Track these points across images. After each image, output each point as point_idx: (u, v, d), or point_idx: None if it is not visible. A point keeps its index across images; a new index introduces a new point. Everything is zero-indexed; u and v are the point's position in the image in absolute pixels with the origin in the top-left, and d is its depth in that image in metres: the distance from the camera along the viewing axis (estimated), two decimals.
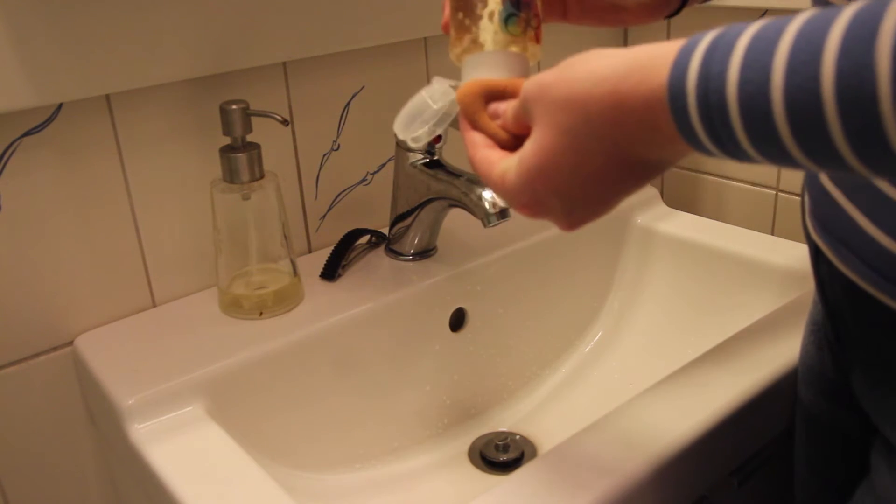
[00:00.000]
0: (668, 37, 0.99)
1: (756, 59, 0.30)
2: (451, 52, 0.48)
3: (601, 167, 0.37)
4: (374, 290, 0.72)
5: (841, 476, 0.55)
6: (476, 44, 0.46)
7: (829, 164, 0.29)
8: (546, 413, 0.79)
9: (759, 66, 0.29)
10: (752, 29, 0.31)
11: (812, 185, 0.48)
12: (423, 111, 0.49)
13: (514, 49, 0.45)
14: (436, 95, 0.49)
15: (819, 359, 0.54)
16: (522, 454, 0.73)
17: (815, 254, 0.50)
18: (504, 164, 0.42)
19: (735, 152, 0.32)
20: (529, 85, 0.39)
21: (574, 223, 0.42)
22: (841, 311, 0.48)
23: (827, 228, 0.46)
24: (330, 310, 0.69)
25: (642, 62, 0.34)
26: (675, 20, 0.94)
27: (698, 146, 0.33)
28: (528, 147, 0.39)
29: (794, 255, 0.77)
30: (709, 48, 0.32)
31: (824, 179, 0.46)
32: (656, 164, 0.37)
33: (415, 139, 0.50)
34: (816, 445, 0.57)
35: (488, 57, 0.45)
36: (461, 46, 0.46)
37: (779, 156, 0.31)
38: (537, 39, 0.48)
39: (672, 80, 0.32)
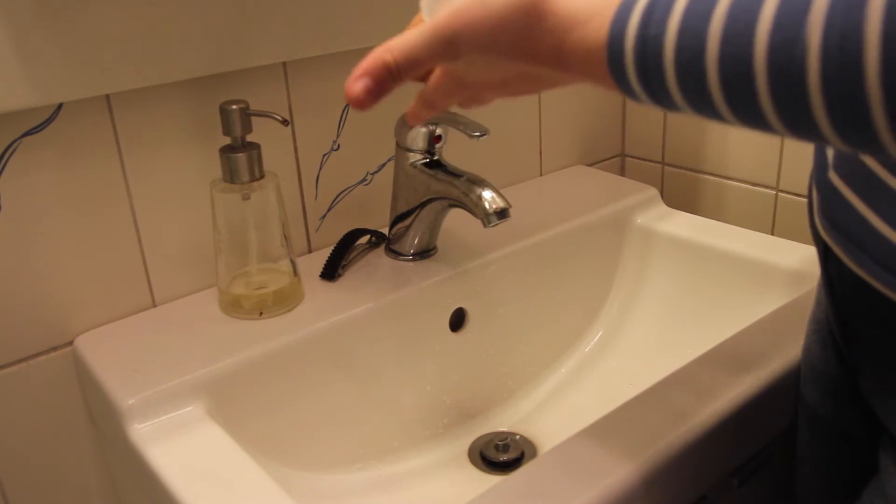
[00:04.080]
0: None
1: (693, 25, 0.31)
2: None
3: (520, 63, 0.39)
4: (374, 290, 0.72)
5: (845, 475, 0.54)
6: None
7: (755, 126, 0.31)
8: (546, 413, 0.79)
9: (696, 34, 0.31)
10: None
11: (820, 182, 0.47)
12: None
13: None
14: None
15: (823, 358, 0.54)
16: (522, 454, 0.73)
17: (825, 253, 0.50)
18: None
19: (669, 106, 0.34)
20: (453, 18, 0.39)
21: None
22: (851, 310, 0.48)
23: (837, 227, 0.46)
24: (330, 310, 0.69)
25: (585, 16, 0.35)
26: None
27: (634, 97, 0.36)
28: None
29: (794, 254, 0.77)
30: (647, 7, 0.33)
31: (834, 178, 0.45)
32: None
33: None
34: (820, 445, 0.56)
35: None
36: None
37: (708, 112, 0.33)
38: None
39: (611, 43, 0.34)
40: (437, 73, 0.46)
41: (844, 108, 0.27)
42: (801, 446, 0.59)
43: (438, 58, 0.41)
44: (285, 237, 0.70)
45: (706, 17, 0.30)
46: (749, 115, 0.31)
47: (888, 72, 0.25)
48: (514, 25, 0.37)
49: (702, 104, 0.32)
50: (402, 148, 0.74)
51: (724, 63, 0.30)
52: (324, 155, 0.79)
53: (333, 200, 0.82)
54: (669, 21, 0.31)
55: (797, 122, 0.29)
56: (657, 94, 0.34)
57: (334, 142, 0.80)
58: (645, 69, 0.33)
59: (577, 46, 0.36)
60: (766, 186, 0.95)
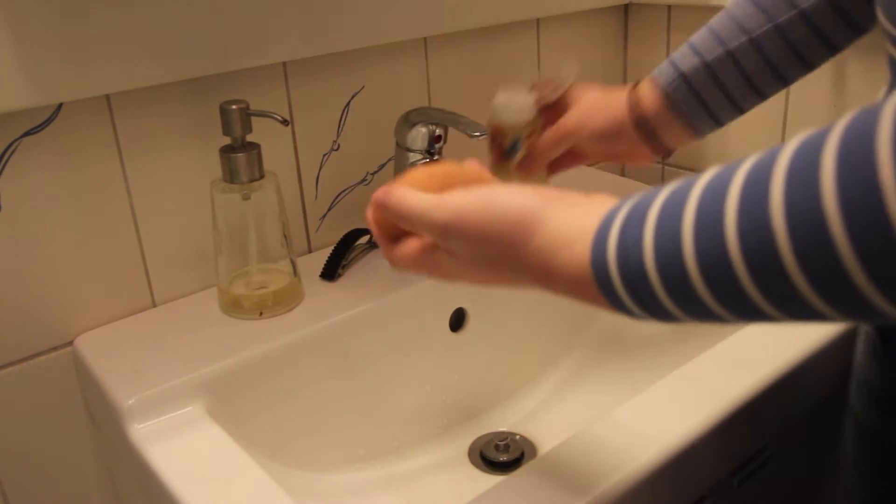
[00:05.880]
0: (668, 49, 0.99)
1: (667, 226, 0.32)
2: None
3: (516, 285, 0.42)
4: (374, 290, 0.72)
5: (891, 483, 0.54)
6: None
7: (749, 318, 0.32)
8: (546, 413, 0.79)
9: (671, 234, 0.32)
10: (661, 197, 0.33)
11: None
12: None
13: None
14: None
15: (869, 367, 0.54)
16: (522, 454, 0.73)
17: None
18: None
19: (658, 313, 0.35)
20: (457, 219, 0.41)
21: (452, 279, 0.45)
22: None
23: None
24: (330, 310, 0.69)
25: (569, 238, 0.37)
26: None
27: (625, 311, 0.36)
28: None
29: None
30: (625, 220, 0.34)
31: None
32: None
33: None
34: (867, 455, 0.55)
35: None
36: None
37: (700, 312, 0.33)
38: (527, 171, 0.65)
39: (594, 257, 0.36)
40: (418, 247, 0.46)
41: (829, 286, 0.28)
42: (848, 456, 0.57)
43: (425, 230, 0.43)
44: (285, 237, 0.70)
45: (678, 214, 0.32)
46: (745, 310, 0.31)
47: (857, 243, 0.26)
48: (506, 233, 0.39)
49: (690, 302, 0.33)
50: (402, 148, 0.74)
51: (702, 258, 0.31)
52: (324, 155, 0.79)
53: (333, 200, 0.82)
54: (644, 244, 0.33)
55: (788, 307, 0.30)
56: (645, 300, 0.34)
57: (334, 142, 0.80)
58: (634, 289, 0.34)
59: (566, 267, 0.37)
60: None
